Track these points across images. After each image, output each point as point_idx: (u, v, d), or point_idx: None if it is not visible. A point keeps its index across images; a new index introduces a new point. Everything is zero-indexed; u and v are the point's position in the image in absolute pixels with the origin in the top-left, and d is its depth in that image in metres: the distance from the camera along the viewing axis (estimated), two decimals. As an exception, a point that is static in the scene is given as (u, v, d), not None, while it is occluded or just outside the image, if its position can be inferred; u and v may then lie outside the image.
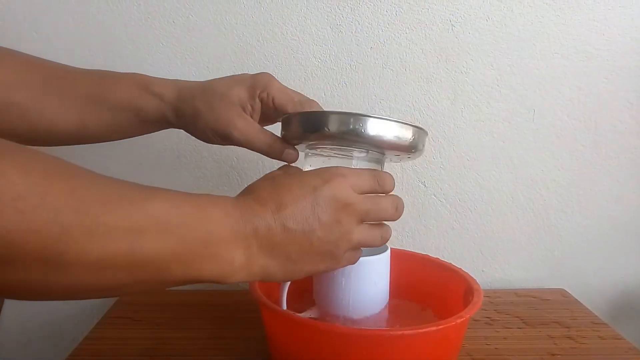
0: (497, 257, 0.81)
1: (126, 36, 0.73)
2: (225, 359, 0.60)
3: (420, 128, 0.50)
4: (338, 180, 0.43)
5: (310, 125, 0.49)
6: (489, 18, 0.74)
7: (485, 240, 0.80)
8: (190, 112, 0.53)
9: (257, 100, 0.53)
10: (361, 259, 0.58)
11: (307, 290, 0.61)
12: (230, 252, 0.38)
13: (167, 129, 0.57)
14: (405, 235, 0.80)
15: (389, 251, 0.60)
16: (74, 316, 0.80)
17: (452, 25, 0.74)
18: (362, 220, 0.44)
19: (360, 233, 0.45)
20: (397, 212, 0.47)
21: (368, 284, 0.58)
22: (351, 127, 0.46)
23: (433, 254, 0.69)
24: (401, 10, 0.74)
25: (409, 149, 0.49)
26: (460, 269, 0.63)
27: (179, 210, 0.36)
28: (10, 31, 0.72)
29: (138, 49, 0.74)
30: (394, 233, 0.79)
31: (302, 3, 0.73)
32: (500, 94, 0.76)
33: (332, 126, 0.47)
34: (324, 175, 0.43)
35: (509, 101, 0.76)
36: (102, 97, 0.54)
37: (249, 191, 0.44)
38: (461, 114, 0.76)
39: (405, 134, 0.48)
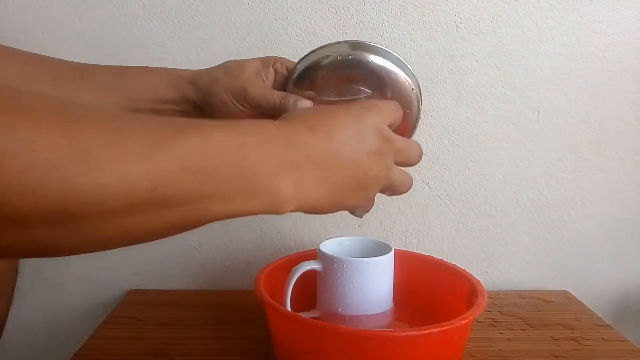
0: (501, 259, 0.81)
1: (131, 37, 0.73)
2: (229, 358, 0.60)
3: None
4: (378, 110, 0.43)
5: (320, 55, 0.51)
6: (493, 19, 0.74)
7: (489, 241, 0.80)
8: (207, 80, 0.54)
9: (271, 69, 0.55)
10: (366, 259, 0.59)
11: (309, 291, 0.61)
12: (275, 182, 0.35)
13: (183, 116, 0.56)
14: (409, 236, 0.80)
15: (392, 252, 0.60)
16: (79, 316, 0.80)
17: (457, 26, 0.74)
18: (394, 160, 0.44)
19: (395, 172, 0.45)
20: (420, 157, 0.47)
21: (372, 284, 0.59)
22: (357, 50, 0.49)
23: (436, 255, 0.69)
24: (406, 11, 0.74)
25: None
26: (464, 270, 0.63)
27: (209, 145, 0.32)
28: (17, 32, 0.72)
29: (143, 49, 0.74)
30: (397, 234, 0.79)
31: (307, 4, 0.73)
32: (504, 95, 0.76)
33: (341, 48, 0.50)
34: (365, 104, 0.44)
35: (513, 102, 0.76)
36: (121, 84, 0.54)
37: (292, 117, 0.41)
38: (465, 114, 0.76)
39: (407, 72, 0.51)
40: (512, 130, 0.77)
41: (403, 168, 0.47)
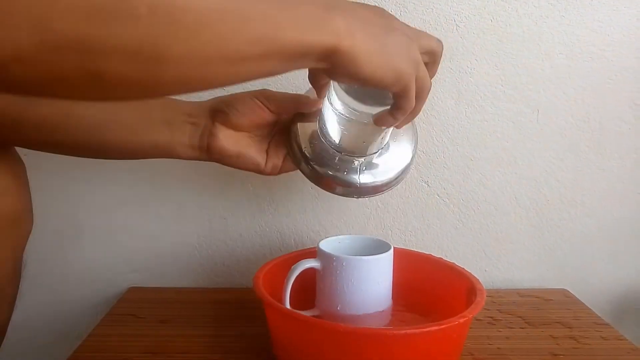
0: (500, 257, 0.81)
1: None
2: (228, 356, 0.60)
3: None
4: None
5: None
6: (493, 18, 0.74)
7: (488, 240, 0.80)
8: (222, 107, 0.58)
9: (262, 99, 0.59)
10: (365, 257, 0.58)
11: (308, 289, 0.61)
12: (329, 16, 0.39)
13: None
14: (408, 234, 0.80)
15: (391, 250, 0.60)
16: (78, 313, 0.80)
17: (457, 25, 0.74)
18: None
19: (421, 60, 0.46)
20: (441, 46, 0.51)
21: (371, 283, 0.59)
22: None
23: (436, 253, 0.69)
24: (405, 10, 0.74)
25: None
26: (463, 268, 0.63)
27: None
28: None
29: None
30: (396, 232, 0.80)
31: (307, 2, 0.73)
32: (504, 94, 0.76)
33: None
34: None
35: (513, 101, 0.76)
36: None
37: None
38: (465, 113, 0.77)
39: None
40: (512, 129, 0.77)
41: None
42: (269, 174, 0.60)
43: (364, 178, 0.58)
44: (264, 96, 0.58)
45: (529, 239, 0.81)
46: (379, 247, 0.62)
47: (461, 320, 0.50)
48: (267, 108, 0.58)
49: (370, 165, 0.59)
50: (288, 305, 0.57)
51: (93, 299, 0.80)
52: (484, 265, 0.81)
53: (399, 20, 0.47)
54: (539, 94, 0.76)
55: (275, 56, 0.36)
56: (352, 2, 0.43)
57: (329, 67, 0.41)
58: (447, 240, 0.80)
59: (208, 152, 0.57)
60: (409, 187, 0.78)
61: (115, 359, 0.59)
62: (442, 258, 0.67)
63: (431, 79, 0.49)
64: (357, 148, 0.58)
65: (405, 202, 0.79)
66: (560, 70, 0.76)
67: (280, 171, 0.61)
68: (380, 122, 0.51)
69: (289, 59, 0.38)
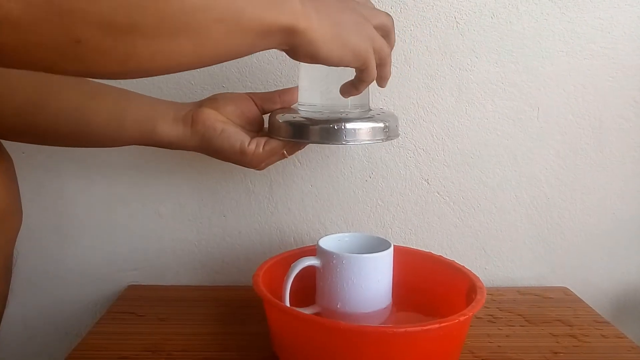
0: (500, 255, 0.81)
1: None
2: (228, 354, 0.60)
3: None
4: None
5: None
6: (494, 15, 0.74)
7: (488, 238, 0.80)
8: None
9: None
10: (364, 255, 0.58)
11: (308, 287, 0.61)
12: (290, 1, 0.42)
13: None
14: (408, 232, 0.80)
15: (392, 248, 0.60)
16: (78, 311, 0.80)
17: (457, 22, 0.74)
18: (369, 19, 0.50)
19: (375, 32, 0.50)
20: (392, 21, 0.53)
21: (371, 281, 0.58)
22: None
23: (436, 251, 0.69)
24: (406, 7, 0.73)
25: None
26: (463, 266, 0.63)
27: None
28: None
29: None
30: (396, 230, 0.79)
31: None
32: (504, 91, 0.76)
33: None
34: None
35: (513, 99, 0.76)
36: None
37: None
38: (465, 111, 0.76)
39: None
40: (512, 127, 0.77)
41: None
42: (253, 160, 0.58)
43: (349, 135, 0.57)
44: (252, 93, 0.62)
45: (529, 237, 0.80)
46: (379, 245, 0.62)
47: (461, 319, 0.50)
48: (253, 100, 0.61)
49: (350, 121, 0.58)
50: (288, 303, 0.56)
51: (92, 296, 0.80)
52: (484, 263, 0.81)
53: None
54: (539, 92, 0.76)
55: (238, 35, 0.39)
56: None
57: (289, 48, 0.44)
58: (447, 238, 0.80)
59: (192, 125, 0.58)
60: (409, 185, 0.78)
61: (114, 357, 0.59)
62: (442, 256, 0.67)
63: (392, 48, 0.53)
64: (337, 104, 0.59)
65: (405, 200, 0.79)
66: (561, 68, 0.75)
67: (265, 152, 0.58)
68: (345, 93, 0.54)
69: (252, 38, 0.40)
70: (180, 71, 0.40)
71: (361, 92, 0.53)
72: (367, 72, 0.49)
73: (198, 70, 0.74)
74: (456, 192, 0.79)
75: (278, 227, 0.79)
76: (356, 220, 0.79)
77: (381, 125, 0.58)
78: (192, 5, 0.35)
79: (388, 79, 0.55)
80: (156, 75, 0.39)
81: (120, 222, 0.78)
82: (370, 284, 0.58)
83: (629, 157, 0.78)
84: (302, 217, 0.79)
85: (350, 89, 0.53)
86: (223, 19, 0.37)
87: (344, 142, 0.55)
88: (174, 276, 0.80)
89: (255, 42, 0.41)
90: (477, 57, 0.75)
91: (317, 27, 0.43)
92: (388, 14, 0.53)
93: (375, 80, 0.53)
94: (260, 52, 0.74)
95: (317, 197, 0.78)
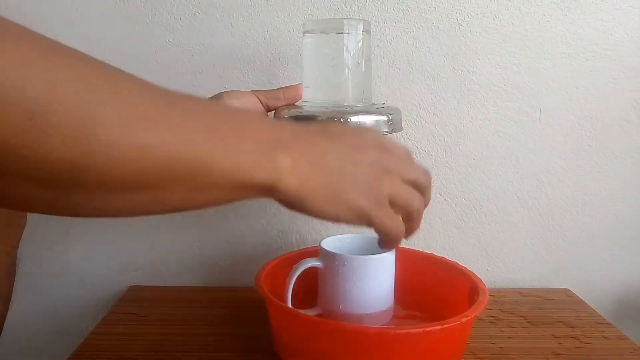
0: (502, 257, 0.81)
1: (133, 33, 0.73)
2: (229, 355, 0.60)
3: None
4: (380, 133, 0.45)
5: None
6: (496, 17, 0.74)
7: (490, 239, 0.80)
8: None
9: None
10: (367, 257, 0.58)
11: (310, 288, 0.61)
12: (275, 158, 0.36)
13: None
14: (410, 233, 0.80)
15: (394, 250, 0.60)
16: (79, 312, 0.80)
17: (459, 24, 0.74)
18: (400, 174, 0.43)
19: (401, 184, 0.43)
20: (429, 180, 0.46)
21: (373, 282, 0.58)
22: None
23: (438, 252, 0.69)
24: (408, 9, 0.73)
25: None
26: (465, 267, 0.63)
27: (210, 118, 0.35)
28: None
29: (145, 46, 0.74)
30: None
31: (309, 1, 0.73)
32: (506, 93, 0.76)
33: None
34: (367, 127, 0.48)
35: (515, 100, 0.76)
36: None
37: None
38: (467, 113, 0.76)
39: None
40: (514, 129, 0.77)
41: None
42: None
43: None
44: (256, 91, 0.61)
45: (531, 239, 0.80)
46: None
47: (463, 320, 0.50)
48: (258, 98, 0.60)
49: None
50: (290, 304, 0.56)
51: (94, 297, 0.80)
52: (486, 264, 0.81)
53: (384, 143, 0.44)
54: (541, 93, 0.76)
55: (203, 194, 0.34)
56: (325, 127, 0.42)
57: (275, 199, 0.39)
58: (449, 239, 0.80)
59: None
60: (410, 186, 0.78)
61: (116, 358, 0.59)
62: (444, 257, 0.67)
63: (426, 205, 0.45)
64: (341, 99, 0.59)
65: (407, 201, 0.78)
66: (563, 70, 0.76)
67: None
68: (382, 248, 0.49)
69: (219, 195, 0.35)
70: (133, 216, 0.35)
71: (392, 248, 0.52)
72: (380, 232, 0.42)
73: (200, 72, 0.74)
74: (458, 194, 0.79)
75: (280, 228, 0.79)
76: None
77: (385, 118, 0.57)
78: (139, 170, 0.30)
79: (415, 233, 0.47)
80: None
81: (122, 223, 0.79)
82: (373, 286, 0.58)
83: (631, 158, 0.78)
84: (304, 218, 0.79)
85: (383, 247, 0.48)
86: (181, 180, 0.32)
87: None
88: (175, 277, 0.80)
89: (223, 199, 0.36)
90: (479, 59, 0.75)
91: (304, 184, 0.38)
92: (425, 170, 0.46)
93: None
94: (264, 52, 0.75)
95: (319, 198, 0.78)
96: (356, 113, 0.56)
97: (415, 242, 0.79)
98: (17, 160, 0.26)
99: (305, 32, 0.61)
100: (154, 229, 0.79)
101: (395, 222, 0.43)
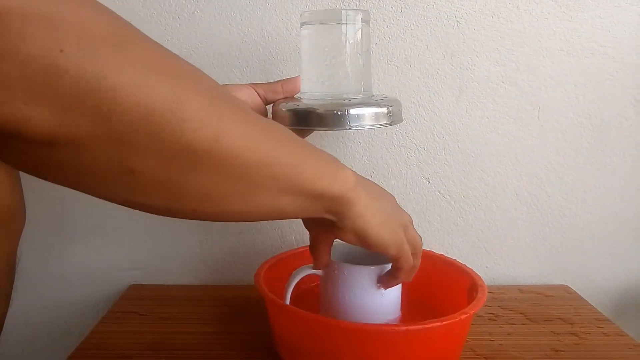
0: (501, 254, 0.81)
1: (132, 32, 0.73)
2: (230, 353, 0.60)
3: None
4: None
5: None
6: (494, 14, 0.74)
7: (489, 236, 0.80)
8: None
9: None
10: (367, 267, 0.56)
11: (311, 293, 0.61)
12: (345, 172, 0.43)
13: None
14: (410, 231, 0.80)
15: None
16: (80, 311, 0.80)
17: (458, 21, 0.74)
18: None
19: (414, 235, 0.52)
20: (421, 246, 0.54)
21: (374, 294, 0.56)
22: None
23: (437, 250, 0.69)
24: (406, 6, 0.73)
25: None
26: (464, 265, 0.63)
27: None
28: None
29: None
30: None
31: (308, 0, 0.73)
32: (505, 90, 0.76)
33: None
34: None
35: (514, 98, 0.76)
36: None
37: None
38: (466, 110, 0.76)
39: None
40: (513, 126, 0.77)
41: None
42: None
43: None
44: (254, 84, 0.61)
45: (530, 236, 0.81)
46: (383, 257, 0.59)
47: (463, 317, 0.50)
48: (255, 91, 0.60)
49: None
50: (288, 302, 0.56)
51: (94, 296, 0.80)
52: (485, 261, 0.81)
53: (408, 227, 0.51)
54: (540, 91, 0.76)
55: (290, 194, 0.38)
56: (377, 189, 0.49)
57: (336, 218, 0.43)
58: (448, 236, 0.80)
59: None
60: (409, 183, 0.78)
61: (117, 356, 0.59)
62: (443, 255, 0.67)
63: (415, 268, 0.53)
64: (339, 91, 0.59)
65: (406, 199, 0.79)
66: (561, 67, 0.76)
67: None
68: (386, 285, 0.56)
69: (302, 199, 0.40)
70: (222, 221, 0.40)
71: (401, 280, 0.55)
72: (405, 260, 0.50)
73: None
74: (457, 191, 0.79)
75: (279, 227, 0.80)
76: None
77: (384, 110, 0.57)
78: (257, 157, 0.35)
79: (416, 270, 0.55)
80: (199, 220, 0.37)
81: (122, 222, 0.79)
82: (374, 297, 0.56)
83: (630, 155, 0.78)
84: (303, 216, 0.79)
85: (390, 280, 0.55)
86: (280, 176, 0.37)
87: (347, 127, 0.55)
88: (175, 275, 0.80)
89: (304, 205, 0.40)
90: (477, 56, 0.75)
91: (366, 201, 0.44)
92: (419, 237, 0.53)
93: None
94: (262, 50, 0.75)
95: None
96: (355, 105, 0.55)
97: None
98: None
99: (302, 24, 0.60)
100: (154, 228, 0.79)
101: (411, 254, 0.51)
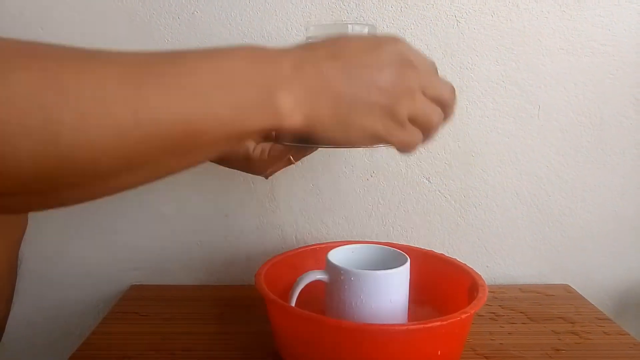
0: (502, 253, 0.81)
1: (131, 33, 0.73)
2: (230, 354, 0.60)
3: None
4: (404, 42, 0.41)
5: None
6: (494, 14, 0.74)
7: (490, 236, 0.80)
8: None
9: None
10: (375, 272, 0.55)
11: (316, 299, 0.61)
12: (275, 99, 0.34)
13: None
14: (410, 230, 0.80)
15: (407, 264, 0.57)
16: (81, 311, 0.80)
17: (457, 20, 0.74)
18: (423, 89, 0.41)
19: (422, 101, 0.41)
20: (453, 96, 0.43)
21: (382, 300, 0.55)
22: None
23: (437, 249, 0.69)
24: (406, 6, 0.73)
25: None
26: (464, 264, 0.63)
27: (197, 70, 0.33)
28: (16, 27, 0.72)
29: (143, 45, 0.74)
30: (398, 228, 0.79)
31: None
32: (505, 89, 0.76)
33: None
34: (389, 35, 0.42)
35: (514, 97, 0.76)
36: None
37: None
38: (466, 109, 0.76)
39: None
40: (513, 125, 0.77)
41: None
42: (258, 167, 0.54)
43: None
44: None
45: (530, 235, 0.81)
46: (394, 259, 0.58)
47: (463, 316, 0.50)
48: None
49: None
50: (294, 304, 0.56)
51: (95, 296, 0.80)
52: (486, 261, 0.81)
53: (406, 55, 0.41)
54: (539, 90, 0.76)
55: (200, 152, 0.33)
56: (337, 46, 0.39)
57: (279, 137, 0.38)
58: (449, 236, 0.80)
59: None
60: (410, 183, 0.78)
61: (117, 357, 0.59)
62: (443, 254, 0.67)
63: (447, 121, 0.45)
64: None
65: (407, 199, 0.79)
66: (561, 66, 0.76)
67: (270, 157, 0.53)
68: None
69: (218, 149, 0.34)
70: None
71: (412, 152, 0.45)
72: (395, 147, 0.42)
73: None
74: (457, 191, 0.79)
75: (280, 226, 0.80)
76: (358, 219, 0.79)
77: None
78: (127, 158, 0.29)
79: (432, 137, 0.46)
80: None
81: (122, 222, 0.79)
82: (382, 304, 0.55)
83: (630, 154, 0.78)
84: (303, 216, 0.79)
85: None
86: (176, 150, 0.31)
87: (352, 145, 0.53)
88: (176, 276, 0.80)
89: (223, 150, 0.35)
90: (477, 56, 0.75)
91: (311, 117, 0.36)
92: (450, 85, 0.44)
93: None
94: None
95: (318, 196, 0.78)
96: None
97: (414, 239, 0.80)
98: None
99: (308, 38, 0.57)
100: (155, 228, 0.79)
101: (414, 138, 0.41)
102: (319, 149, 0.56)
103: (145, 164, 0.30)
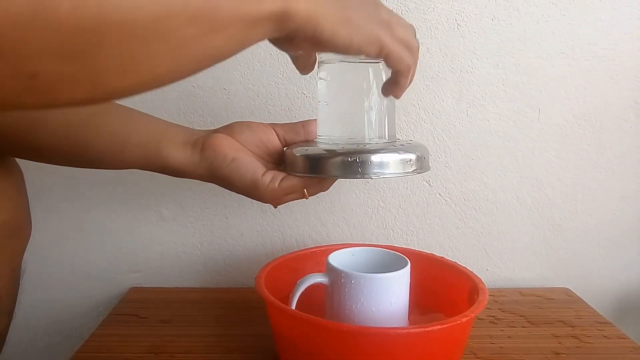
0: (502, 256, 0.81)
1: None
2: (230, 356, 0.60)
3: None
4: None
5: None
6: (494, 17, 0.74)
7: (490, 239, 0.80)
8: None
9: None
10: (375, 275, 0.54)
11: (316, 302, 0.61)
12: None
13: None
14: (410, 233, 0.80)
15: (408, 267, 0.57)
16: (80, 314, 0.80)
17: (458, 24, 0.74)
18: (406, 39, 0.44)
19: (412, 37, 0.44)
20: (414, 36, 0.46)
21: (383, 303, 0.55)
22: None
23: (437, 252, 0.69)
24: (407, 9, 0.74)
25: None
26: (465, 267, 0.63)
27: None
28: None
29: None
30: (398, 231, 0.79)
31: (308, 2, 0.73)
32: (505, 93, 0.76)
33: None
34: None
35: (514, 100, 0.76)
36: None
37: None
38: (466, 113, 0.77)
39: None
40: (513, 129, 0.77)
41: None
42: (266, 195, 0.53)
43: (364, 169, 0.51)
44: (274, 124, 0.57)
45: (530, 238, 0.81)
46: (394, 262, 0.58)
47: (463, 320, 0.50)
48: (274, 130, 0.56)
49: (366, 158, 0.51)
50: (294, 307, 0.56)
51: (95, 299, 0.80)
52: (486, 264, 0.81)
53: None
54: (540, 93, 0.76)
55: (217, 35, 0.33)
56: None
57: (287, 35, 0.38)
58: (449, 239, 0.80)
59: (202, 150, 0.53)
60: (410, 186, 0.78)
61: (117, 359, 0.59)
62: (443, 257, 0.67)
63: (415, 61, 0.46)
64: (360, 135, 0.54)
65: (407, 202, 0.79)
66: (561, 69, 0.76)
67: (281, 188, 0.52)
68: (385, 92, 0.49)
69: (235, 35, 0.35)
70: (159, 86, 0.34)
71: (404, 89, 0.47)
72: (396, 58, 0.42)
73: (200, 73, 0.74)
74: (457, 194, 0.79)
75: (280, 229, 0.80)
76: (358, 221, 0.79)
77: (412, 156, 0.52)
78: (155, 13, 0.30)
79: (414, 69, 0.47)
80: (132, 95, 0.33)
81: (122, 225, 0.79)
82: (382, 307, 0.54)
83: (630, 157, 0.79)
84: (304, 218, 0.79)
85: (390, 87, 0.47)
86: (194, 20, 0.31)
87: (366, 176, 0.50)
88: (176, 278, 0.80)
89: (241, 38, 0.35)
90: (477, 59, 0.75)
91: (315, 7, 0.37)
92: (412, 28, 0.46)
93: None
94: (263, 53, 0.75)
95: (319, 199, 0.78)
96: (378, 151, 0.50)
97: (414, 242, 0.80)
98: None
99: (320, 63, 0.54)
100: (154, 230, 0.79)
101: (405, 51, 0.43)
102: (334, 183, 0.55)
103: (169, 33, 0.31)
